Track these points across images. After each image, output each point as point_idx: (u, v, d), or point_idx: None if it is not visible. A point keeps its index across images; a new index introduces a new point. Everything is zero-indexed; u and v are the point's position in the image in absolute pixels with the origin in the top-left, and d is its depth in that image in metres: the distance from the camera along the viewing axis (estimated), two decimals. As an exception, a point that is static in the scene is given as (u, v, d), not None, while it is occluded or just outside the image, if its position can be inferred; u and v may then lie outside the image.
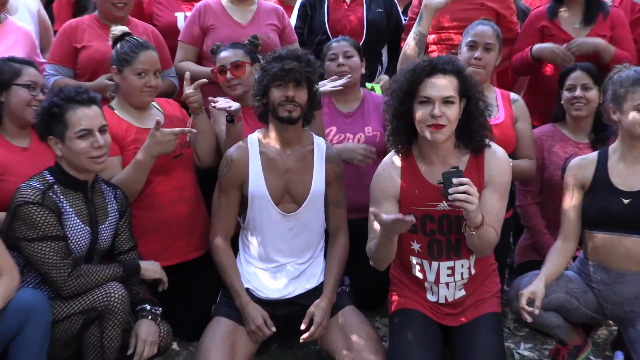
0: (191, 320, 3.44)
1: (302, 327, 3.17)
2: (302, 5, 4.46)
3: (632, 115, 3.04)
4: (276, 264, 3.30)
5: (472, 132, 2.97)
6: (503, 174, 3.01)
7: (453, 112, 2.88)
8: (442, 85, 2.88)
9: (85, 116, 2.94)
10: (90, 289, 2.89)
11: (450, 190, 2.71)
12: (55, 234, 2.86)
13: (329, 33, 4.31)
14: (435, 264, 3.04)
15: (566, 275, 3.21)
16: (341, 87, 3.61)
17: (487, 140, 3.00)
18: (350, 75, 3.70)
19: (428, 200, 2.97)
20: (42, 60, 4.02)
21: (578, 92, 3.72)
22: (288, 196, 3.28)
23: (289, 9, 4.49)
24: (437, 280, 3.06)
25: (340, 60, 3.79)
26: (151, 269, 3.17)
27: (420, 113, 2.89)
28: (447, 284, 3.06)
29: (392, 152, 3.12)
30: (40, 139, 3.12)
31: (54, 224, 2.85)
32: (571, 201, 3.19)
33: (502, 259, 3.56)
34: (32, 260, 2.87)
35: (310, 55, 3.27)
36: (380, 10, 4.41)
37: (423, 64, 2.93)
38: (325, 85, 3.57)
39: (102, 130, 2.99)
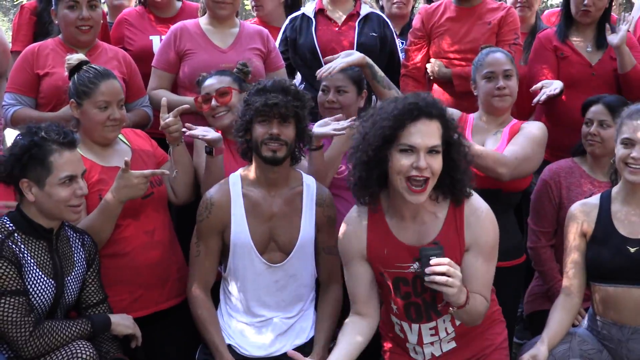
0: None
1: None
2: (285, 29, 4.40)
3: (617, 149, 3.00)
4: (261, 318, 3.18)
5: (455, 182, 2.74)
6: (486, 234, 2.79)
7: (438, 164, 2.66)
8: (429, 132, 2.65)
9: (70, 161, 2.86)
10: (55, 349, 2.79)
11: (427, 271, 2.55)
12: (15, 289, 2.74)
13: (320, 54, 4.23)
14: (415, 326, 2.88)
15: (579, 335, 3.07)
16: (344, 133, 3.39)
17: (468, 190, 2.80)
18: (354, 118, 3.47)
19: (399, 262, 2.78)
20: None
21: (593, 129, 3.62)
22: (274, 244, 3.17)
23: (275, 30, 4.42)
24: (420, 342, 2.90)
25: (331, 96, 3.68)
26: (123, 323, 3.04)
27: (400, 163, 2.64)
28: (432, 343, 2.90)
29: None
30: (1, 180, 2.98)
31: (13, 278, 2.74)
32: (573, 251, 3.08)
33: (512, 309, 3.48)
34: None
35: (299, 87, 3.16)
36: (374, 34, 4.33)
37: (408, 106, 2.66)
38: (329, 125, 3.39)
39: (83, 176, 2.92)
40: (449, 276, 2.54)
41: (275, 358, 3.14)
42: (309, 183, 3.24)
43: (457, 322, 2.86)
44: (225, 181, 3.21)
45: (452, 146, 2.73)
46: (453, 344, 2.91)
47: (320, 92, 3.73)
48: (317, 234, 3.22)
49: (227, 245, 3.17)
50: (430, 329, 2.87)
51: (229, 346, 3.13)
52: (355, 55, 3.51)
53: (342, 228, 2.92)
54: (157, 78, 3.96)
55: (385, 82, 3.55)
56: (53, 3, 3.79)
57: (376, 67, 3.54)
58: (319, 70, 3.49)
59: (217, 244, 3.19)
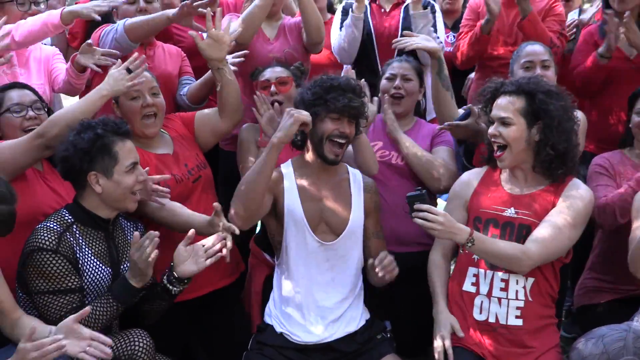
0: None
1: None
2: (342, 11, 4.60)
3: None
4: (313, 304, 3.28)
5: (542, 155, 3.10)
6: (577, 200, 3.09)
7: (510, 133, 3.10)
8: (501, 106, 3.15)
9: (131, 149, 3.05)
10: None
11: (413, 215, 2.94)
12: (66, 287, 2.87)
13: (374, 37, 4.46)
14: (490, 273, 3.12)
15: (634, 331, 3.01)
16: None
17: (564, 170, 3.12)
18: None
19: (497, 205, 3.18)
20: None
21: None
22: (324, 225, 3.30)
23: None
24: (489, 293, 3.11)
25: (397, 82, 3.85)
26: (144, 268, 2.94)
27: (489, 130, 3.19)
28: (500, 300, 3.10)
29: None
30: (64, 176, 3.11)
31: (66, 275, 2.87)
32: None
33: (558, 306, 3.45)
34: (41, 312, 2.89)
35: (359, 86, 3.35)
36: None
37: (490, 85, 3.24)
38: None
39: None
40: (428, 221, 2.89)
41: (326, 344, 3.24)
42: (354, 172, 3.42)
43: (530, 297, 3.09)
44: (277, 168, 3.32)
45: (542, 124, 3.09)
46: (520, 322, 3.10)
47: (384, 81, 3.90)
48: (365, 220, 3.36)
49: (280, 224, 3.30)
50: (502, 280, 3.11)
51: (281, 334, 3.24)
52: (433, 43, 3.78)
53: (461, 177, 3.42)
54: None
55: (447, 82, 3.78)
56: None
57: (444, 65, 3.76)
58: (395, 40, 3.85)
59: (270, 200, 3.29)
